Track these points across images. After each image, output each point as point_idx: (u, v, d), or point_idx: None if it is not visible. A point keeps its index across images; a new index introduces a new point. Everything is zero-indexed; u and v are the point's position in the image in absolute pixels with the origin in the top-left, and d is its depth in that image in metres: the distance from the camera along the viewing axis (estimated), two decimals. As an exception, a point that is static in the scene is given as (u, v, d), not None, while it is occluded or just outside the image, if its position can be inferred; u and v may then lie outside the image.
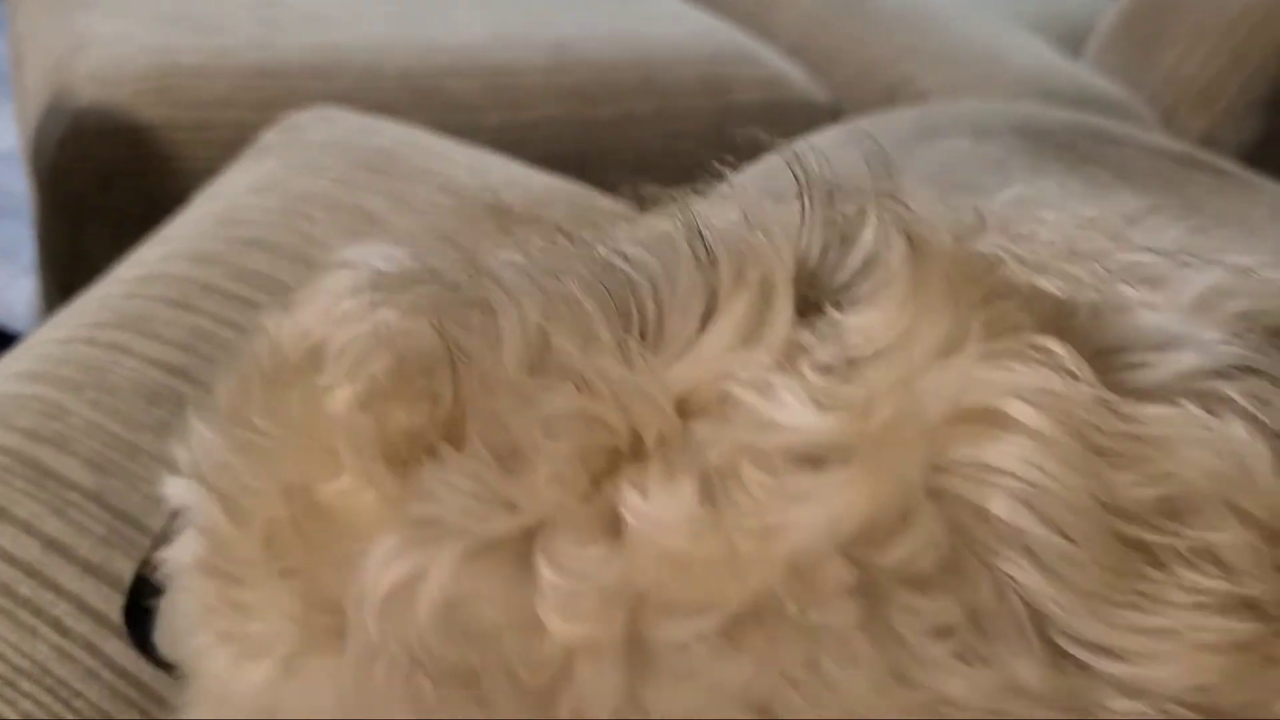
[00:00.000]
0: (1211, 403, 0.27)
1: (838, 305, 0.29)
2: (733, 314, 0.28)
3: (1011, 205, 0.34)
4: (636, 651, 0.27)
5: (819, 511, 0.26)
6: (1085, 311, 0.29)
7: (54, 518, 0.58)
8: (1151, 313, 0.29)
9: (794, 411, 0.27)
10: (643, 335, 0.29)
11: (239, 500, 0.33)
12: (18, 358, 0.71)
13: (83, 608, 0.55)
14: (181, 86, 1.04)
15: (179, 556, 0.36)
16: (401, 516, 0.29)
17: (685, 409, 0.28)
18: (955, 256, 0.28)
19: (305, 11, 1.19)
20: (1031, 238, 0.31)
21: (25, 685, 0.51)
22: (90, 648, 0.53)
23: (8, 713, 0.50)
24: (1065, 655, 0.26)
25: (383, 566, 0.29)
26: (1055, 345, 0.27)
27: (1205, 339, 0.29)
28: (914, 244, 0.28)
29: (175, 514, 0.37)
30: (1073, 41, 1.50)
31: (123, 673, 0.53)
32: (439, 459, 0.29)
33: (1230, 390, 0.28)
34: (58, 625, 0.54)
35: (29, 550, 0.56)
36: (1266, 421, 0.27)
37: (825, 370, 0.27)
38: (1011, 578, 0.26)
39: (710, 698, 0.26)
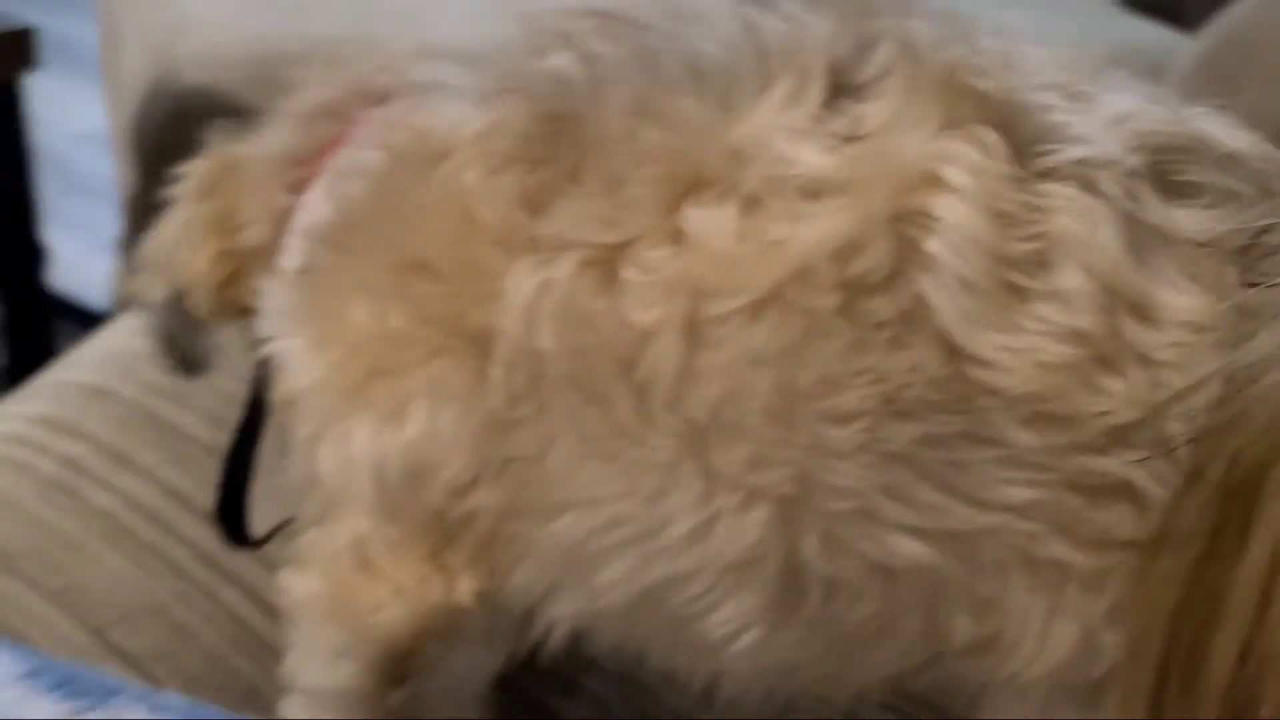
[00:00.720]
0: (1090, 186, 0.38)
1: (855, 96, 0.39)
2: (780, 89, 0.39)
3: (994, 35, 0.43)
4: (691, 328, 0.38)
5: (815, 229, 0.37)
6: (1016, 110, 0.39)
7: (173, 468, 0.59)
8: (1066, 116, 0.40)
9: (808, 155, 0.38)
10: (717, 102, 0.40)
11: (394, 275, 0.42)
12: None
13: (200, 555, 0.56)
14: (280, 74, 1.05)
15: (298, 378, 0.44)
16: (534, 242, 0.40)
17: (737, 153, 0.39)
18: (937, 66, 0.39)
19: (397, 8, 1.21)
20: (986, 51, 0.41)
21: (145, 622, 0.53)
22: (209, 594, 0.55)
23: (127, 645, 0.52)
24: (955, 356, 0.37)
25: (521, 282, 0.40)
26: (988, 134, 0.38)
27: (1099, 140, 0.39)
28: (910, 56, 0.39)
29: (263, 363, 0.46)
30: (1149, 78, 1.50)
31: (241, 622, 0.54)
32: (564, 195, 0.40)
33: (1104, 178, 0.38)
34: (177, 569, 0.55)
35: (149, 496, 0.58)
36: (1128, 206, 0.38)
37: (836, 134, 0.39)
38: (927, 294, 0.37)
39: (737, 356, 0.38)
